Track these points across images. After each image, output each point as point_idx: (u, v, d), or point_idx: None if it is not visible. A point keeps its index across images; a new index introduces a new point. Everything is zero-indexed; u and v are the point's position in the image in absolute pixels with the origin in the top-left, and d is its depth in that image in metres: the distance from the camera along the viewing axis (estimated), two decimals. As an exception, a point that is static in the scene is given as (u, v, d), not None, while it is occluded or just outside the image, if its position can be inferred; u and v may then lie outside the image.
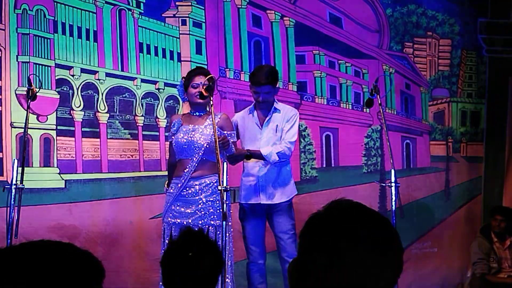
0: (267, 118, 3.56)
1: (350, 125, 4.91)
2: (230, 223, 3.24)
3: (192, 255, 1.93)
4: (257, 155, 3.50)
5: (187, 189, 3.31)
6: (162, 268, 1.99)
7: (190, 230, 2.09)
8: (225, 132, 3.34)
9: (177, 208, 3.32)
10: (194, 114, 3.42)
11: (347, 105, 4.95)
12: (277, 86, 3.57)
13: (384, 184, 3.52)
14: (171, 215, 3.33)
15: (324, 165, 4.73)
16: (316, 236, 1.08)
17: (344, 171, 4.83)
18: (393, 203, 3.36)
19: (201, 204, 3.29)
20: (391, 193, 3.36)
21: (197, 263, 1.94)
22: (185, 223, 3.27)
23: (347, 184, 4.80)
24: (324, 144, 4.74)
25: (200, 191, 3.30)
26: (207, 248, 1.98)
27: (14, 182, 2.96)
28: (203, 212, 3.29)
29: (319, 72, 4.83)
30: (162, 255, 2.06)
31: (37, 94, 3.28)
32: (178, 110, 4.18)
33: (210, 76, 3.33)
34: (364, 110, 5.02)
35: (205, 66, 4.17)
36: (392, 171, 3.35)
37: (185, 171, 3.31)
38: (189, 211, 3.29)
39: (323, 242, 1.06)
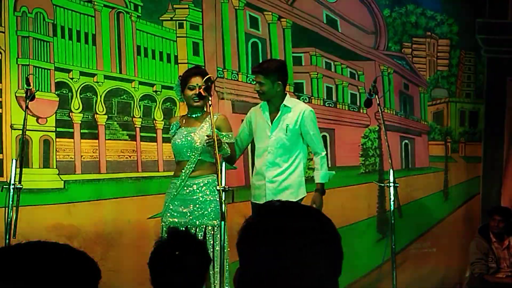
0: (277, 116, 3.54)
1: (346, 125, 4.91)
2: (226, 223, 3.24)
3: (179, 255, 1.95)
4: (322, 187, 3.58)
5: (186, 188, 3.34)
6: (150, 268, 2.02)
7: (176, 230, 2.12)
8: (222, 133, 3.36)
9: (176, 207, 3.35)
10: (191, 115, 3.44)
11: (343, 106, 4.97)
12: (278, 81, 3.48)
13: (382, 184, 3.54)
14: (169, 214, 3.36)
15: (321, 165, 4.75)
16: (252, 243, 1.07)
17: (342, 171, 4.84)
18: (392, 203, 3.37)
19: (199, 203, 3.32)
20: (390, 193, 3.37)
21: (183, 262, 1.96)
22: (183, 222, 3.30)
23: (344, 184, 4.80)
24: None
25: (198, 191, 3.33)
26: (193, 247, 2.01)
27: (12, 182, 2.96)
28: (200, 212, 3.31)
29: (316, 73, 4.84)
30: (149, 256, 2.09)
31: (37, 96, 3.33)
32: (175, 112, 4.21)
33: (208, 76, 3.34)
34: (361, 110, 5.03)
35: (203, 67, 4.20)
36: (391, 171, 3.36)
37: (183, 171, 3.34)
38: (187, 211, 3.32)
39: (261, 249, 1.05)
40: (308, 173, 4.64)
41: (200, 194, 3.32)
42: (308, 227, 1.08)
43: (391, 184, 3.36)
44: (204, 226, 3.30)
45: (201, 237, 3.25)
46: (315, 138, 3.58)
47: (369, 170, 4.96)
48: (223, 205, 3.01)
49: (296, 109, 3.56)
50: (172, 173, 3.56)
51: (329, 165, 4.80)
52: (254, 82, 3.57)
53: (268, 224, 1.08)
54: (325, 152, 3.67)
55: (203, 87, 3.26)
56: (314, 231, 1.07)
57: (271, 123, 3.55)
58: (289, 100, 3.57)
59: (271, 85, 3.47)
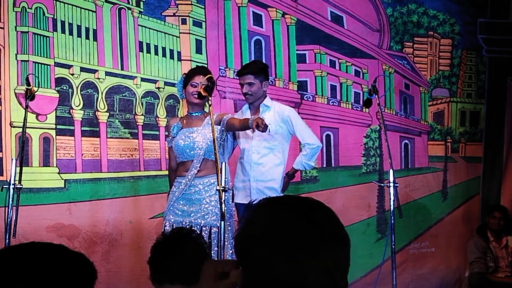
0: (258, 115, 3.53)
1: (350, 125, 4.89)
2: (229, 223, 3.22)
3: (175, 246, 1.97)
4: (293, 172, 3.66)
5: (191, 188, 3.34)
6: (150, 266, 2.03)
7: (175, 229, 2.16)
8: (226, 116, 3.36)
9: (180, 206, 3.34)
10: (192, 114, 3.44)
11: (347, 104, 4.94)
12: (265, 81, 3.53)
13: (382, 184, 3.54)
14: (173, 213, 3.35)
15: (325, 165, 4.72)
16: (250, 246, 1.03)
17: (344, 171, 4.83)
18: (392, 203, 3.37)
19: (205, 203, 3.32)
20: (389, 193, 3.36)
21: (180, 252, 1.98)
22: (186, 221, 3.29)
23: (346, 184, 4.79)
24: (325, 143, 4.72)
25: (203, 191, 3.33)
26: (189, 239, 2.03)
27: (12, 181, 2.94)
28: (205, 212, 3.31)
29: (320, 71, 4.81)
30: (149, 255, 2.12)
31: (36, 93, 3.27)
32: (178, 109, 4.17)
33: (209, 76, 3.35)
34: (363, 110, 5.01)
35: (205, 66, 4.15)
36: (391, 171, 3.35)
37: (189, 171, 3.34)
38: (192, 210, 3.32)
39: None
40: (311, 172, 4.62)
41: (206, 195, 3.32)
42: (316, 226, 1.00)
43: (391, 184, 3.35)
44: (208, 226, 3.28)
45: (206, 238, 3.23)
46: (303, 132, 3.60)
47: (370, 170, 4.95)
48: (223, 205, 3.00)
49: (275, 109, 3.58)
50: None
51: (332, 165, 4.79)
52: (241, 84, 3.55)
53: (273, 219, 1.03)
54: (317, 144, 3.62)
55: (203, 86, 3.27)
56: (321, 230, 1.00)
57: None
58: (268, 101, 3.60)
59: (260, 85, 3.51)
